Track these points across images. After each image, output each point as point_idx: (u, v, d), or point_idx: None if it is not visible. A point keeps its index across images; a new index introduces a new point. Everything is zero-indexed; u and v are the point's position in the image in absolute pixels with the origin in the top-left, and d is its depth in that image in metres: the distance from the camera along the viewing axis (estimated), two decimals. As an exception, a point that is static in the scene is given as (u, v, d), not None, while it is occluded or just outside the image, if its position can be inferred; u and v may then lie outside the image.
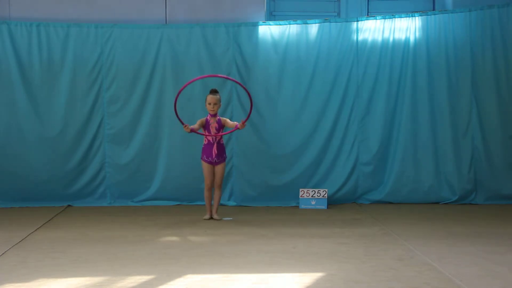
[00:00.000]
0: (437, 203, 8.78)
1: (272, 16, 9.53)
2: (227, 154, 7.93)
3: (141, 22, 8.84)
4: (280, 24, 8.83)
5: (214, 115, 7.53)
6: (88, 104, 8.74)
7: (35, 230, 6.93)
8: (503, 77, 8.78)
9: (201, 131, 7.51)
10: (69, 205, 8.66)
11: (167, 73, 8.77)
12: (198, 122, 7.55)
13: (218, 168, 7.60)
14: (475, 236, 6.51)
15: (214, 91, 7.56)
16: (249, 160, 8.78)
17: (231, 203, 8.74)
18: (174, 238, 6.52)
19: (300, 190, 8.55)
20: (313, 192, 8.50)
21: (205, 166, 7.60)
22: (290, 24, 8.83)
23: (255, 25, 8.82)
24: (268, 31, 8.82)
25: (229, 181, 8.77)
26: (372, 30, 8.82)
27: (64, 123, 8.71)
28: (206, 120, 7.53)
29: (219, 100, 7.57)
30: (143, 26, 8.75)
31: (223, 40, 8.78)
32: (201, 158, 7.62)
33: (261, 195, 8.79)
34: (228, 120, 7.62)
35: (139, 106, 8.79)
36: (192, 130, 7.37)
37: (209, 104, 7.49)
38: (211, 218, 7.65)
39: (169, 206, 8.67)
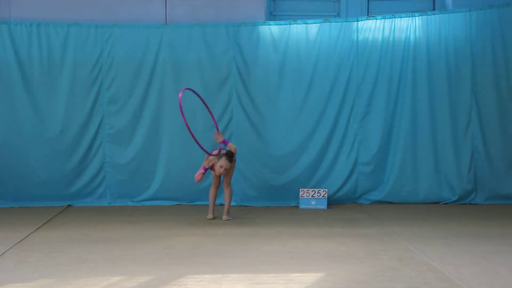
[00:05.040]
0: (437, 203, 8.78)
1: (272, 16, 9.52)
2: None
3: (141, 22, 8.83)
4: (280, 24, 8.82)
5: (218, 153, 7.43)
6: (88, 104, 8.74)
7: (35, 230, 6.93)
8: (503, 77, 8.78)
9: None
10: (69, 205, 8.66)
11: (167, 73, 8.77)
12: (206, 160, 7.49)
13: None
14: (475, 236, 6.51)
15: (230, 156, 7.32)
16: (249, 160, 8.78)
17: (231, 203, 8.73)
18: (174, 238, 6.51)
19: (300, 190, 8.55)
20: (313, 192, 8.49)
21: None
22: (290, 24, 8.83)
23: (255, 25, 8.81)
24: (268, 31, 8.81)
25: (229, 181, 8.78)
26: (372, 30, 8.82)
27: (64, 123, 8.71)
28: (210, 160, 7.45)
29: (231, 167, 7.47)
30: (143, 26, 8.75)
31: (223, 40, 8.78)
32: None
33: (261, 195, 8.79)
34: (231, 145, 7.52)
35: (139, 106, 8.78)
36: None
37: (221, 167, 7.30)
38: (214, 218, 7.64)
39: (169, 206, 8.67)
